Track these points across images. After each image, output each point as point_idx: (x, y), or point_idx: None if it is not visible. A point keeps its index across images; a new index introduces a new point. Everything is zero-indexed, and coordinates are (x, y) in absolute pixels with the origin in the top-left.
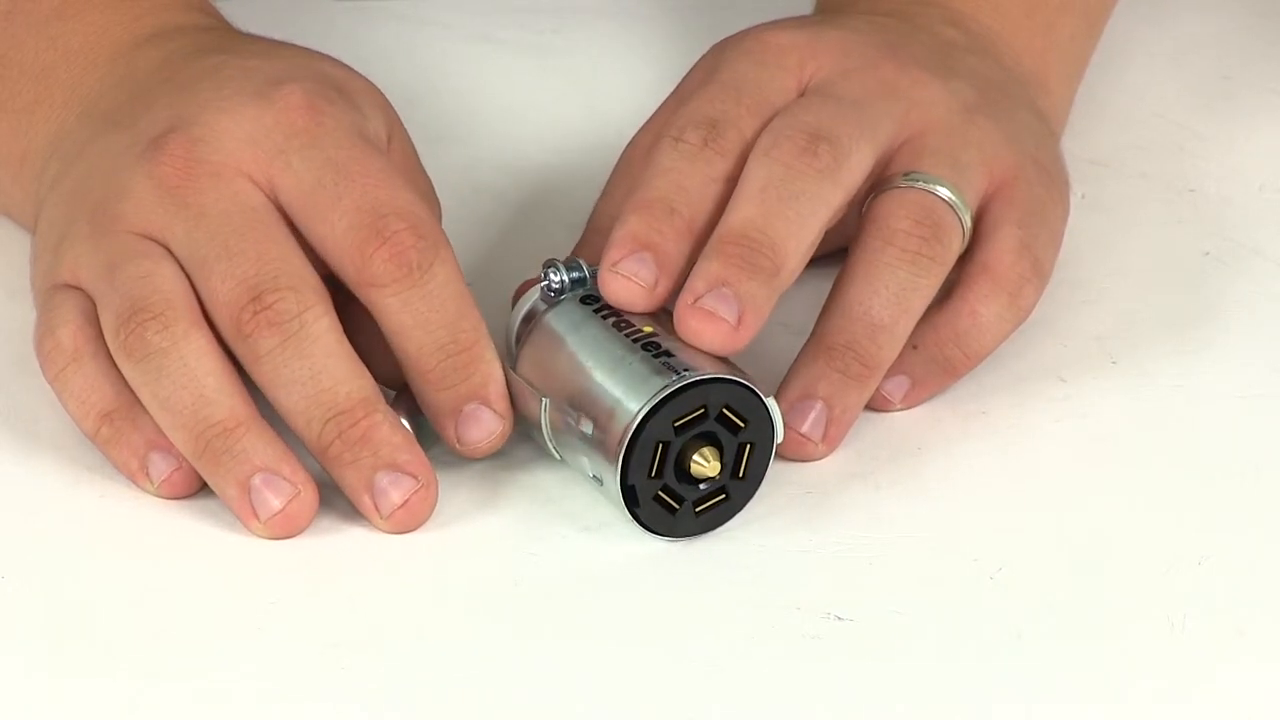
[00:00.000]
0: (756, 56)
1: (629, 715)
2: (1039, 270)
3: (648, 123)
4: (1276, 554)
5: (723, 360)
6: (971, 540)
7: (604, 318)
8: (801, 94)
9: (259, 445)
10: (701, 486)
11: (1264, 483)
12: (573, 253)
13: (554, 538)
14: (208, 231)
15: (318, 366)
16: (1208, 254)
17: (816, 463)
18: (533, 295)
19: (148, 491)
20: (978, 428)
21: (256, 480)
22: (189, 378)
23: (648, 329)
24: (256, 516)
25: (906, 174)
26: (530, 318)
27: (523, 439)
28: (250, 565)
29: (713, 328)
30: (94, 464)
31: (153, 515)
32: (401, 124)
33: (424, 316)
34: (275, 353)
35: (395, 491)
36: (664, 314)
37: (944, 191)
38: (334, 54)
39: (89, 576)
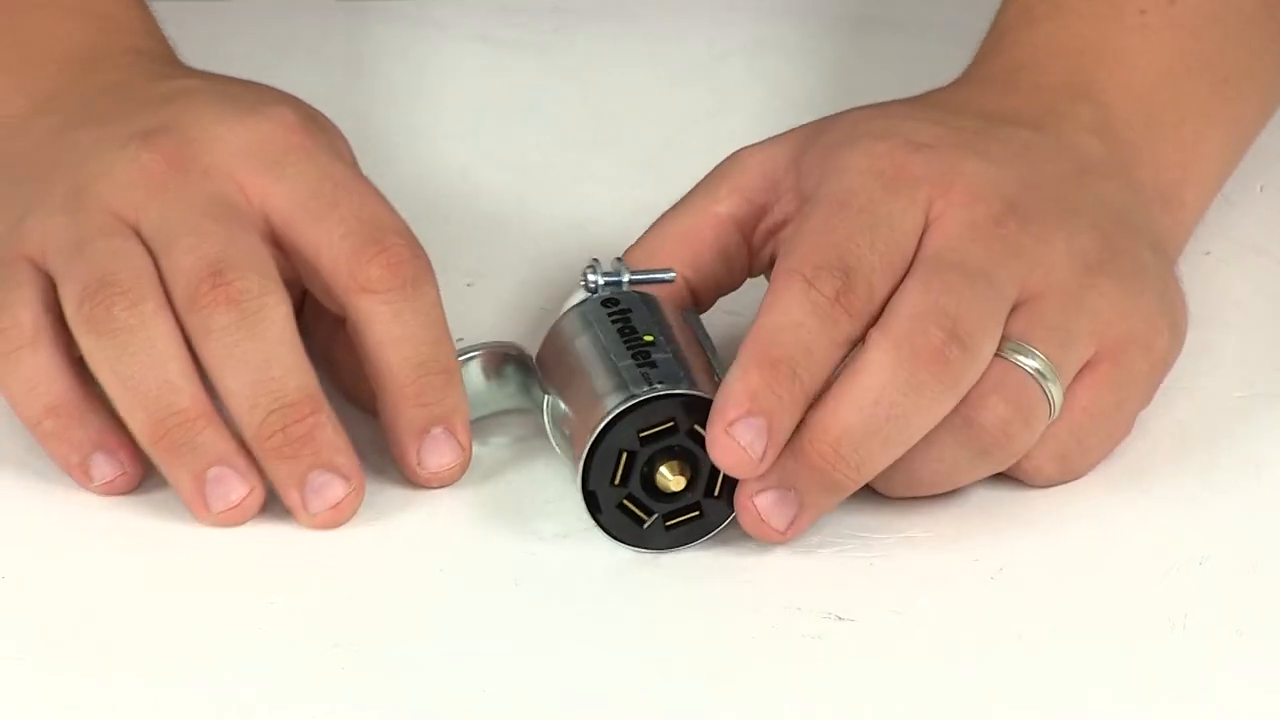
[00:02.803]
0: (888, 182)
1: (629, 715)
2: (1070, 472)
3: (765, 146)
4: (1276, 554)
5: (715, 378)
6: (971, 540)
7: (613, 321)
8: (925, 232)
9: (217, 439)
10: (667, 502)
11: (1264, 483)
12: (629, 250)
13: (554, 538)
14: (182, 213)
15: (270, 353)
16: (1208, 254)
17: None
18: (579, 292)
19: (87, 489)
20: None
21: (212, 473)
22: (155, 360)
23: (648, 337)
24: (208, 509)
25: (1014, 344)
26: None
27: (523, 439)
28: (250, 566)
29: (762, 530)
30: None
31: (152, 515)
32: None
33: (412, 330)
34: (229, 330)
35: (329, 492)
36: (680, 315)
37: (1042, 373)
38: (334, 54)
39: (88, 576)
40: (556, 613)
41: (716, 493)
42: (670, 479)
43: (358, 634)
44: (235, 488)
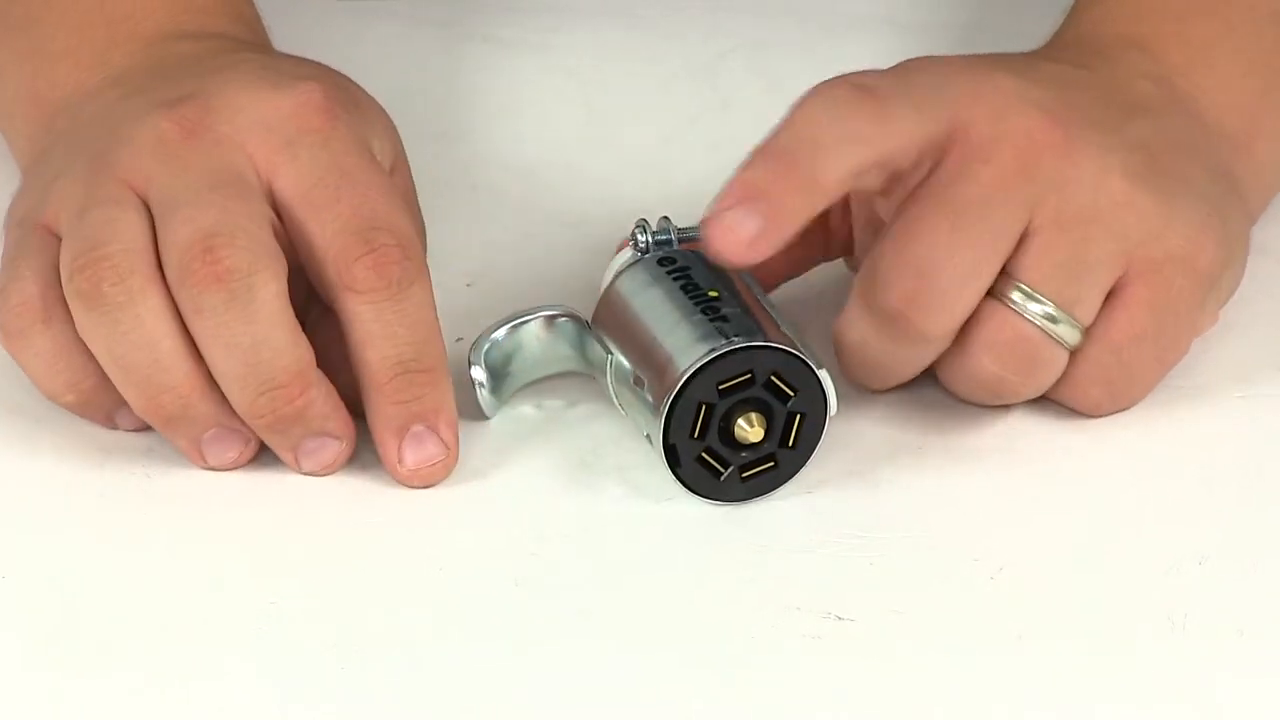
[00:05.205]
0: (940, 70)
1: (629, 715)
2: (1120, 397)
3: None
4: (1276, 554)
5: (781, 330)
6: (971, 540)
7: (674, 279)
8: (950, 141)
9: (211, 409)
10: (744, 453)
11: (1264, 483)
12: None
13: (554, 537)
14: (186, 181)
15: (259, 336)
16: None
17: (817, 463)
18: (625, 253)
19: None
20: (978, 428)
21: (208, 435)
22: (145, 339)
23: (713, 293)
24: (206, 462)
25: (1017, 286)
26: (614, 276)
27: (517, 440)
28: (249, 566)
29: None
30: (94, 462)
31: (152, 515)
32: (405, 157)
33: (393, 329)
34: (218, 310)
35: (322, 454)
36: (737, 276)
37: (1050, 316)
38: (334, 54)
39: (89, 576)
40: (556, 613)
41: (791, 443)
42: (749, 430)
43: (358, 634)
44: (231, 447)
